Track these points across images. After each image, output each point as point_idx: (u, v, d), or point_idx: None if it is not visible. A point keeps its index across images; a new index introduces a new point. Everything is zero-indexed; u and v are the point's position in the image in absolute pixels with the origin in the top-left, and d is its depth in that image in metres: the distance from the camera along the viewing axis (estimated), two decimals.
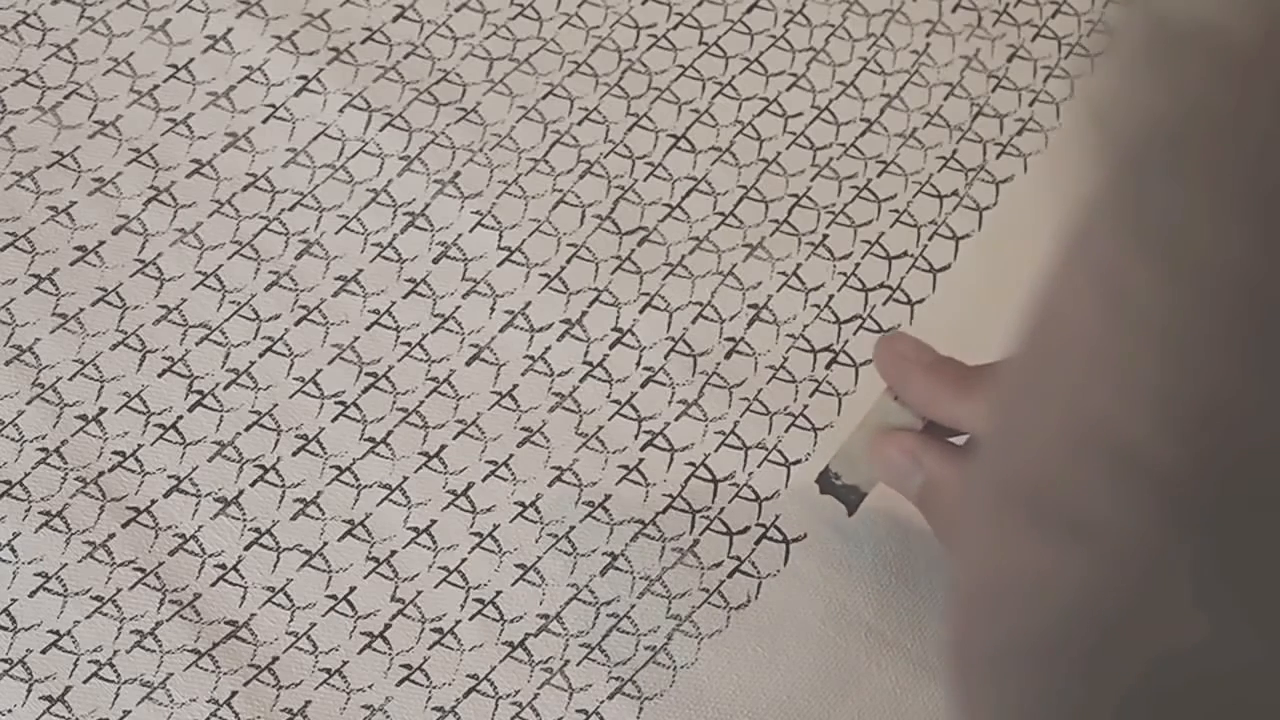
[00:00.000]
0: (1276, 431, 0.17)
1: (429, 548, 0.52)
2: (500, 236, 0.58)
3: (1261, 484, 0.17)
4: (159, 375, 0.54)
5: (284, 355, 0.55)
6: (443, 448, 0.54)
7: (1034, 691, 0.21)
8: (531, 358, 0.56)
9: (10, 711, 0.48)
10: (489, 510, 0.53)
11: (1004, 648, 0.22)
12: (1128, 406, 0.19)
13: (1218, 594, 0.18)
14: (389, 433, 0.54)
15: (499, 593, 0.51)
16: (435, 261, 0.58)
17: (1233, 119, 0.18)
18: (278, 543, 0.52)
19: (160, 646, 0.49)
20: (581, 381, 0.56)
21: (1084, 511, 0.19)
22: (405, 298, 0.57)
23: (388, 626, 0.50)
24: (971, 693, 0.22)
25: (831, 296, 0.58)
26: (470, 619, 0.51)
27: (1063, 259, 0.21)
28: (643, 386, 0.56)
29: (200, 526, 0.52)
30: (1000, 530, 0.22)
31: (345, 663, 0.50)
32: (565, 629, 0.51)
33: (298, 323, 0.56)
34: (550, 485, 0.53)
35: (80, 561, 0.50)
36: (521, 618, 0.51)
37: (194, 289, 0.56)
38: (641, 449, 0.54)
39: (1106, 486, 0.19)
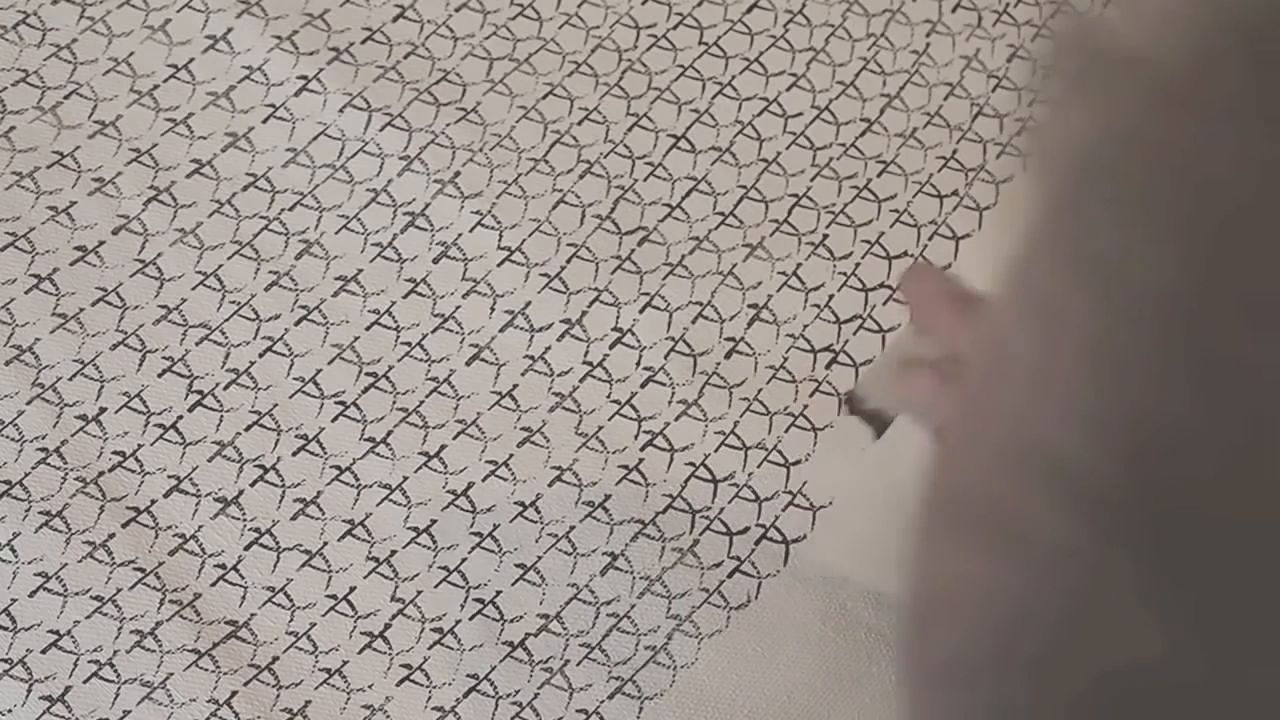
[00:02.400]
0: (1208, 448, 0.18)
1: (429, 548, 0.52)
2: (500, 236, 0.58)
3: (1195, 498, 0.18)
4: (159, 375, 0.54)
5: (284, 355, 0.55)
6: (443, 448, 0.54)
7: (982, 702, 0.21)
8: (531, 358, 0.56)
9: (10, 711, 0.48)
10: (489, 510, 0.53)
11: (953, 658, 0.22)
12: (1065, 426, 0.19)
13: (1168, 609, 0.18)
14: (389, 433, 0.54)
15: (499, 593, 0.51)
16: (435, 261, 0.58)
17: (1164, 148, 0.18)
18: (278, 543, 0.52)
19: (160, 646, 0.49)
20: (581, 381, 0.56)
21: (1025, 527, 0.20)
22: (405, 298, 0.57)
23: (388, 626, 0.50)
24: (922, 702, 0.23)
25: (831, 296, 0.58)
26: (470, 619, 0.51)
27: (1005, 284, 0.21)
28: (643, 386, 0.56)
29: (200, 526, 0.52)
30: (948, 543, 0.22)
31: (345, 663, 0.50)
32: (565, 629, 0.51)
33: (298, 323, 0.56)
34: (550, 485, 0.53)
35: (80, 561, 0.50)
36: (521, 618, 0.51)
37: (194, 289, 0.56)
38: (641, 449, 0.54)
39: (1046, 503, 0.19)
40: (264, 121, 0.60)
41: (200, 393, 0.54)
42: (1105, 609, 0.19)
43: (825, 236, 0.60)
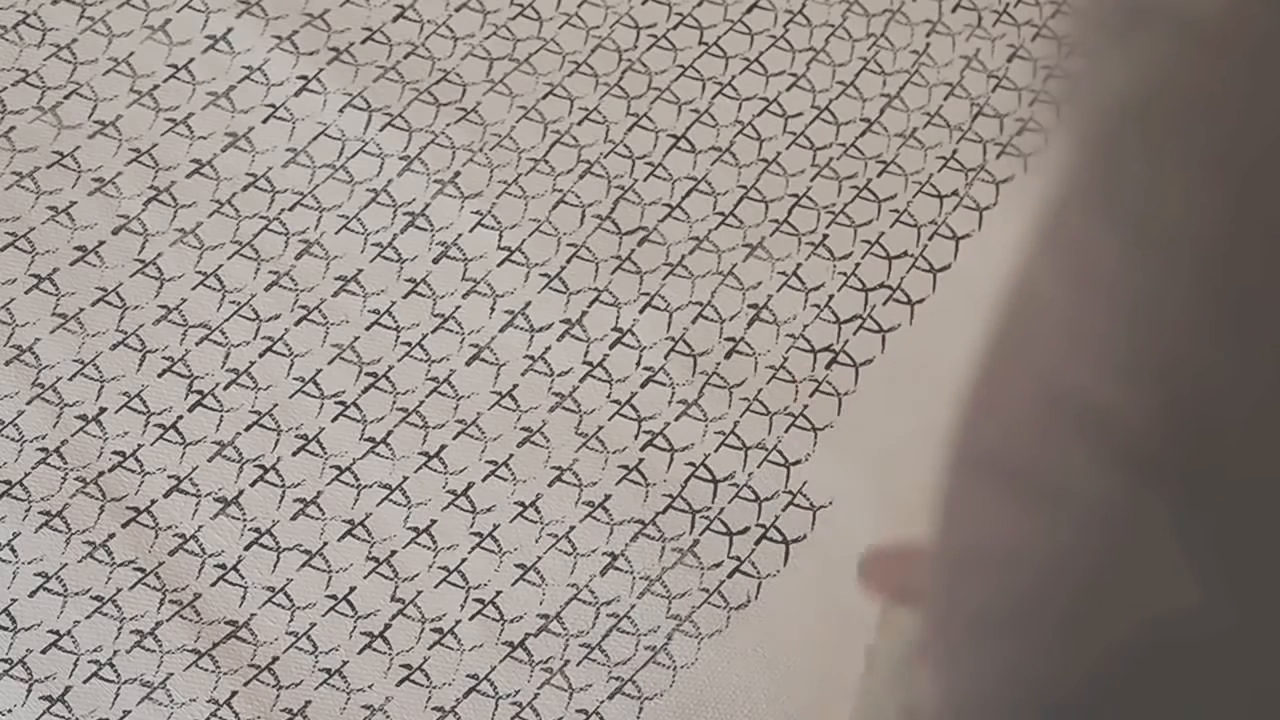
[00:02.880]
0: (1242, 393, 0.18)
1: (429, 548, 0.52)
2: (500, 236, 0.58)
3: (1229, 444, 0.18)
4: (159, 375, 0.54)
5: (284, 355, 0.55)
6: (443, 448, 0.54)
7: (1015, 654, 0.21)
8: (531, 358, 0.56)
9: (10, 711, 0.48)
10: (489, 510, 0.53)
11: (985, 611, 0.22)
12: (1098, 374, 0.19)
13: (1203, 556, 0.18)
14: (389, 433, 0.54)
15: (499, 593, 0.51)
16: (435, 261, 0.58)
17: (1200, 93, 0.18)
18: (278, 543, 0.52)
19: (160, 646, 0.49)
20: (581, 381, 0.56)
21: (1059, 479, 0.20)
22: (405, 298, 0.57)
23: (388, 626, 0.50)
24: (953, 657, 0.23)
25: (831, 296, 0.58)
26: (470, 619, 0.51)
27: (1037, 236, 0.21)
28: (643, 386, 0.56)
29: (200, 526, 0.52)
30: (980, 499, 0.22)
31: (345, 663, 0.50)
32: (565, 629, 0.51)
33: (298, 323, 0.56)
34: (550, 485, 0.53)
35: (80, 561, 0.50)
36: (521, 618, 0.51)
37: (194, 289, 0.56)
38: (641, 449, 0.54)
39: (1080, 453, 0.19)
40: (264, 121, 0.60)
41: (200, 393, 0.54)
42: (1140, 559, 0.19)
43: (825, 236, 0.60)
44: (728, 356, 0.57)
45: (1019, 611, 0.21)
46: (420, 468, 0.53)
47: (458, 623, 0.51)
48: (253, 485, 0.53)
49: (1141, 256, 0.19)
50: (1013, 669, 0.21)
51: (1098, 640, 0.20)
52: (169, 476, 0.52)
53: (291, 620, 0.50)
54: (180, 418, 0.54)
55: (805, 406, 0.56)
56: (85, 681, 0.48)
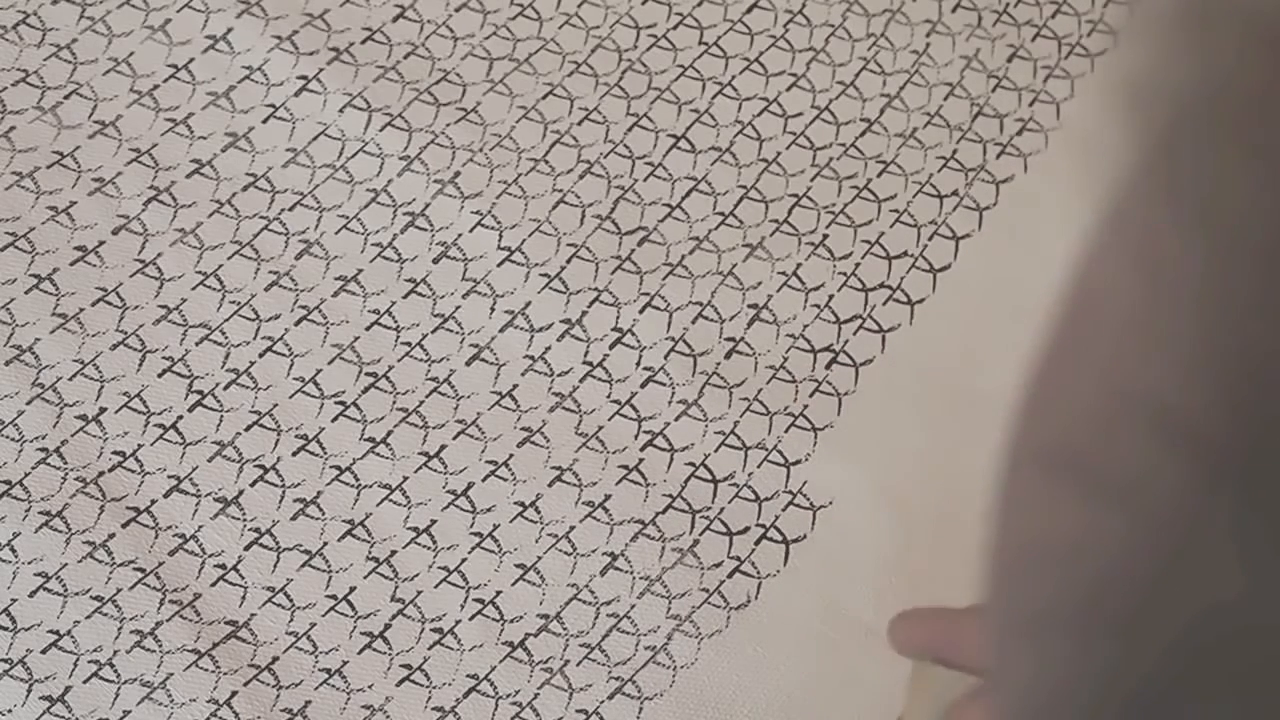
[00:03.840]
0: None
1: (429, 548, 0.52)
2: (500, 236, 0.58)
3: None
4: (159, 375, 0.54)
5: (284, 355, 0.55)
6: (443, 448, 0.54)
7: (1077, 651, 0.21)
8: (531, 358, 0.56)
9: (10, 711, 0.48)
10: (489, 510, 0.53)
11: (1043, 610, 0.22)
12: (1165, 370, 0.19)
13: (1259, 551, 0.18)
14: (389, 433, 0.54)
15: (499, 593, 0.51)
16: (435, 261, 0.58)
17: (1265, 90, 0.18)
18: (278, 543, 0.52)
19: (160, 646, 0.49)
20: (581, 381, 0.56)
21: (1122, 474, 0.20)
22: (405, 298, 0.57)
23: (388, 626, 0.50)
24: (1009, 655, 0.23)
25: (831, 296, 0.58)
26: (470, 619, 0.51)
27: (1100, 233, 0.21)
28: (643, 386, 0.56)
29: (200, 526, 0.52)
30: (1039, 495, 0.22)
31: (345, 663, 0.50)
32: (565, 629, 0.51)
33: (298, 323, 0.56)
34: (550, 485, 0.53)
35: (80, 561, 0.50)
36: (521, 618, 0.51)
37: (194, 289, 0.56)
38: (641, 449, 0.54)
39: (1144, 449, 0.19)
40: (264, 121, 0.60)
41: (200, 393, 0.54)
42: (1203, 554, 0.19)
43: (825, 236, 0.60)
44: (728, 356, 0.57)
45: (1081, 608, 0.21)
46: (420, 468, 0.53)
47: (458, 623, 0.51)
48: (253, 485, 0.53)
49: (1208, 250, 0.19)
50: (1076, 666, 0.21)
51: (1159, 637, 0.20)
52: (169, 476, 0.52)
53: (291, 620, 0.50)
54: (180, 418, 0.54)
55: (805, 406, 0.56)
56: (85, 681, 0.48)
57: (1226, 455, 0.19)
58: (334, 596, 0.51)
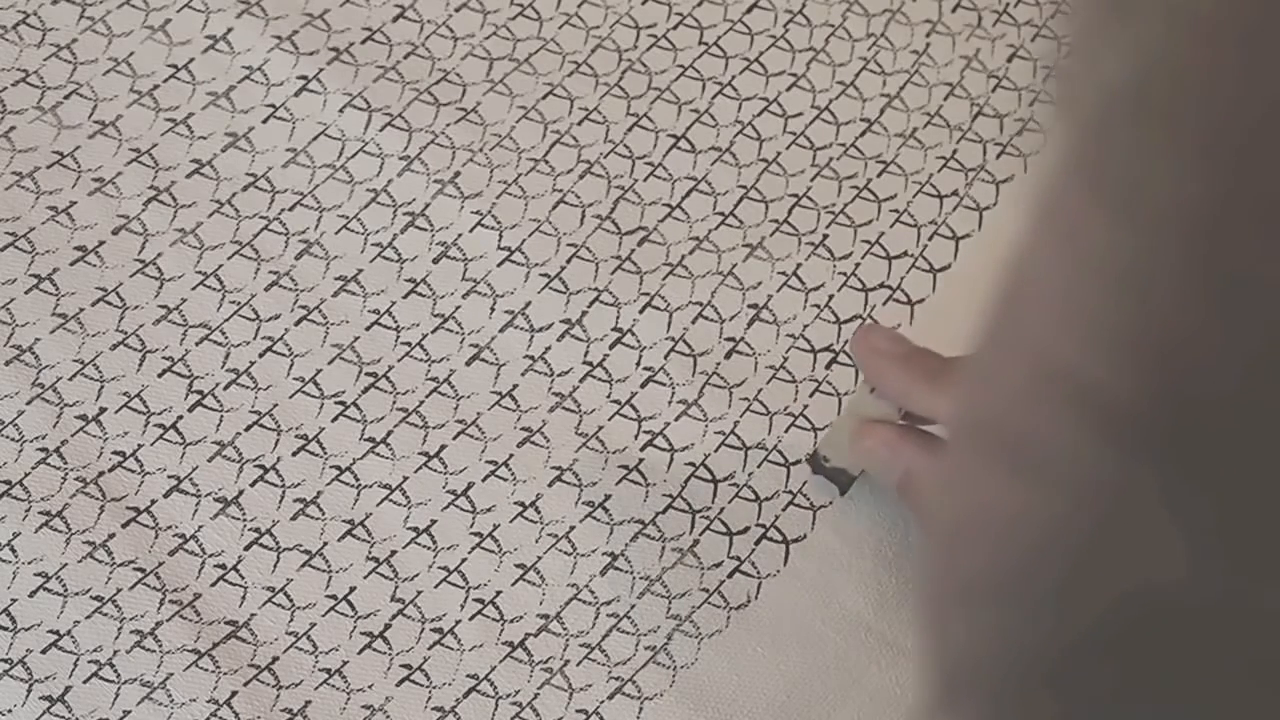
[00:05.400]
0: (1230, 364, 0.18)
1: (429, 548, 0.52)
2: (500, 236, 0.58)
3: (1216, 414, 0.18)
4: (159, 375, 0.54)
5: (284, 355, 0.55)
6: (443, 448, 0.54)
7: (1004, 621, 0.22)
8: (531, 358, 0.56)
9: (10, 711, 0.48)
10: (489, 510, 0.53)
11: (975, 582, 0.23)
12: (1090, 350, 0.20)
13: (1192, 524, 0.19)
14: (389, 433, 0.54)
15: (499, 593, 0.51)
16: (435, 261, 0.58)
17: (1191, 77, 0.19)
18: (278, 543, 0.52)
19: (160, 646, 0.49)
20: (581, 381, 0.56)
21: (1050, 452, 0.21)
22: (405, 298, 0.57)
23: (388, 626, 0.50)
24: (942, 626, 0.23)
25: (831, 296, 0.58)
26: (470, 619, 0.51)
27: (1035, 217, 0.22)
28: (643, 386, 0.56)
29: (200, 526, 0.52)
30: (976, 472, 0.23)
31: (345, 663, 0.50)
32: (565, 629, 0.51)
33: (298, 323, 0.56)
34: (550, 485, 0.53)
35: (80, 561, 0.50)
36: (521, 618, 0.51)
37: (194, 289, 0.56)
38: (641, 449, 0.54)
39: (1070, 427, 0.20)
40: (264, 121, 0.60)
41: (200, 393, 0.54)
42: (1129, 530, 0.19)
43: (825, 236, 0.60)
44: (728, 356, 0.57)
45: (1011, 580, 0.21)
46: (420, 468, 0.53)
47: (458, 623, 0.51)
48: (253, 485, 0.53)
49: (1132, 235, 0.19)
50: (1003, 636, 0.22)
51: (1087, 609, 0.20)
52: (169, 476, 0.52)
53: (291, 620, 0.50)
54: (180, 418, 0.54)
55: (805, 407, 0.56)
56: (85, 681, 0.48)
57: (1148, 435, 0.19)
58: (334, 596, 0.51)
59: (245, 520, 0.52)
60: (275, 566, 0.51)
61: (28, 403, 0.53)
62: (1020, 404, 0.21)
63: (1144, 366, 0.19)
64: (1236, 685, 0.19)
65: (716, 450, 0.55)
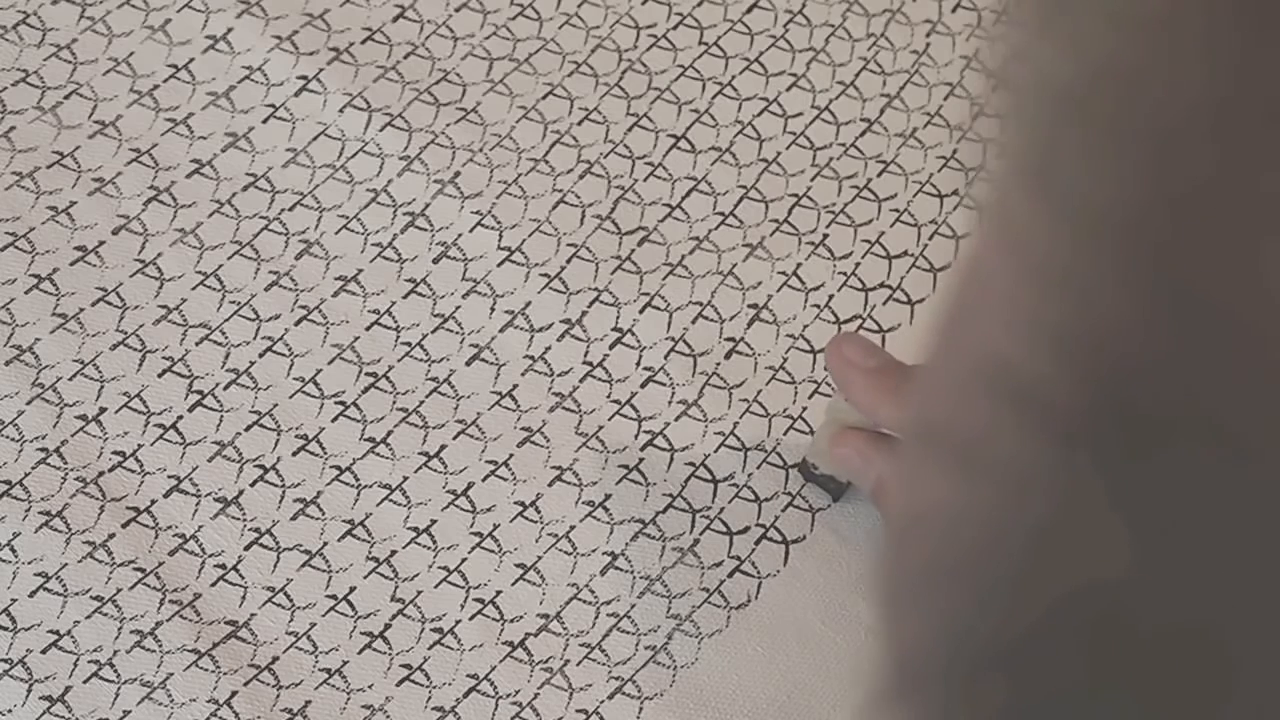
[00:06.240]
0: (1169, 363, 0.18)
1: (429, 548, 0.52)
2: (500, 236, 0.58)
3: (1158, 413, 0.19)
4: (159, 375, 0.54)
5: (284, 355, 0.55)
6: (443, 448, 0.54)
7: (952, 609, 0.22)
8: (531, 358, 0.56)
9: (10, 711, 0.48)
10: (489, 510, 0.53)
11: (926, 573, 0.23)
12: (1032, 349, 0.20)
13: (1137, 520, 0.19)
14: (389, 433, 0.54)
15: (499, 593, 0.51)
16: (435, 261, 0.58)
17: (1132, 76, 0.19)
18: (278, 543, 0.52)
19: (160, 646, 0.49)
20: (581, 381, 0.56)
21: (993, 450, 0.21)
22: (405, 298, 0.57)
23: (388, 626, 0.50)
24: (896, 616, 0.24)
25: (831, 296, 0.58)
26: (470, 619, 0.51)
27: (981, 219, 0.23)
28: (643, 386, 0.56)
29: (200, 526, 0.52)
30: (926, 469, 0.23)
31: (345, 663, 0.50)
32: (565, 629, 0.51)
33: (298, 323, 0.56)
34: (550, 485, 0.53)
35: (80, 561, 0.50)
36: (521, 618, 0.51)
37: (194, 289, 0.56)
38: (641, 449, 0.54)
39: (1012, 425, 0.20)
40: (264, 121, 0.60)
41: (200, 393, 0.54)
42: (1073, 527, 0.20)
43: (825, 236, 0.60)
44: (728, 357, 0.57)
45: (959, 574, 0.22)
46: (420, 468, 0.53)
47: (458, 623, 0.51)
48: (253, 485, 0.53)
49: (1073, 235, 0.19)
50: (953, 625, 0.22)
51: (1034, 603, 0.20)
52: (169, 476, 0.52)
53: (291, 620, 0.50)
54: (180, 418, 0.54)
55: (804, 408, 0.56)
56: (85, 681, 0.49)
57: (1086, 430, 0.19)
58: (334, 596, 0.51)
59: (245, 520, 0.52)
60: (275, 566, 0.51)
61: (28, 403, 0.53)
62: (965, 402, 0.22)
63: (1084, 365, 0.19)
64: (1185, 681, 0.19)
65: (716, 450, 0.55)
